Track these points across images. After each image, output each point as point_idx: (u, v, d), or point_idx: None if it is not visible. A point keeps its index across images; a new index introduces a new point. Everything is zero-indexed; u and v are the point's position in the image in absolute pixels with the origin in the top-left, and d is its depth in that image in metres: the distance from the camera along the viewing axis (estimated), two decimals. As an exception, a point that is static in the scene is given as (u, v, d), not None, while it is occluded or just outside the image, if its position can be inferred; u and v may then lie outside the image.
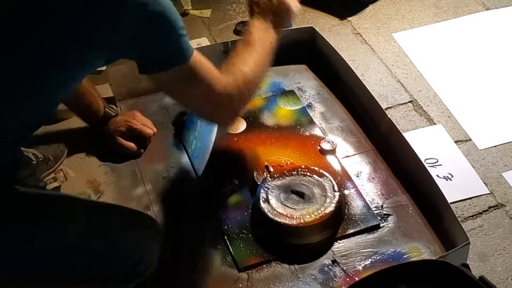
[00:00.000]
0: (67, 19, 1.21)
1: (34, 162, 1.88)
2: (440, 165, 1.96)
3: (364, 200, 1.82)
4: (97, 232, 1.42)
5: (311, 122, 2.07)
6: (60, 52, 1.24)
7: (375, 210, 1.80)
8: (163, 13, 1.28)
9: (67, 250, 1.37)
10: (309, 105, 2.15)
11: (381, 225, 1.77)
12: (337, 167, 1.92)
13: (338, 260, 1.69)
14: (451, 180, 1.91)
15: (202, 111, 1.57)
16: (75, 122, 2.03)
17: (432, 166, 1.94)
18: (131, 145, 1.96)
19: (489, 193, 1.87)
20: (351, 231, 1.75)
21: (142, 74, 1.38)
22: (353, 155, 1.98)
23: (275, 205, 1.73)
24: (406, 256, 1.69)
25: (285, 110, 2.13)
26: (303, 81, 2.25)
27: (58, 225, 1.38)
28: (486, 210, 1.83)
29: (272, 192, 1.76)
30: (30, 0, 1.20)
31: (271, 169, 1.87)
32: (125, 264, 1.46)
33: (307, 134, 2.04)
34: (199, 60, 1.41)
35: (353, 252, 1.71)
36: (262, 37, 1.63)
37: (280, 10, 1.69)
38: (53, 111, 1.40)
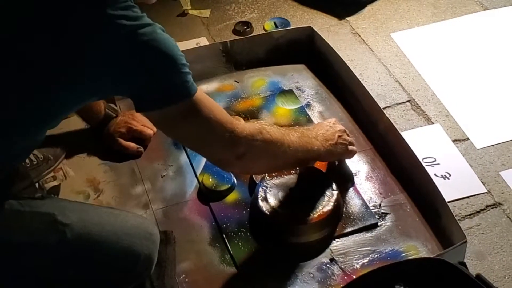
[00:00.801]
0: (56, 64, 1.22)
1: (35, 163, 1.88)
2: (438, 164, 1.97)
3: (362, 199, 1.83)
4: (90, 241, 1.40)
5: (310, 121, 2.08)
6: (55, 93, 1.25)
7: (373, 209, 1.81)
8: (159, 46, 1.26)
9: (60, 262, 1.37)
10: (308, 105, 2.16)
11: (379, 223, 1.77)
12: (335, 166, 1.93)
13: (336, 259, 1.69)
14: (448, 179, 1.92)
15: (205, 149, 1.47)
16: (75, 121, 2.04)
17: (430, 165, 1.95)
18: (132, 145, 1.96)
19: (486, 192, 1.88)
20: (349, 229, 1.76)
21: (139, 112, 1.35)
22: (352, 154, 1.98)
23: (274, 204, 1.74)
24: (403, 254, 1.69)
25: (283, 109, 2.13)
26: (302, 81, 2.26)
27: (49, 238, 1.36)
28: (484, 209, 1.84)
29: (271, 190, 1.77)
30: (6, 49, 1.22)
31: (270, 168, 1.87)
32: (123, 267, 1.46)
33: (306, 133, 2.04)
34: (204, 97, 1.37)
35: (351, 250, 1.71)
36: (308, 136, 1.65)
37: (342, 146, 1.76)
38: (40, 140, 1.38)
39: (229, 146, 1.42)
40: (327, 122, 1.79)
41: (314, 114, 2.12)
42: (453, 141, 2.04)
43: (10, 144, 1.30)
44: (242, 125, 1.44)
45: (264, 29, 2.52)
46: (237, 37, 2.45)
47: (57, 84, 1.24)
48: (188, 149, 1.98)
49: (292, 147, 1.55)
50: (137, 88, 1.29)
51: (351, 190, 1.85)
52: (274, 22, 2.55)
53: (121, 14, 1.22)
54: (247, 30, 2.51)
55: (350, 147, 1.79)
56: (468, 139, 2.05)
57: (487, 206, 1.85)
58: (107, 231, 1.43)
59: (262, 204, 1.74)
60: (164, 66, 1.28)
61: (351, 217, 1.78)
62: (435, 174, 1.91)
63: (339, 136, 1.74)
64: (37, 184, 1.89)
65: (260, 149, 1.48)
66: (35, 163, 1.88)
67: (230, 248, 1.72)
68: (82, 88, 1.27)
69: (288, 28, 2.43)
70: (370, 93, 2.04)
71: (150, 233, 1.51)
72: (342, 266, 1.68)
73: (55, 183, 1.88)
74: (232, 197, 1.85)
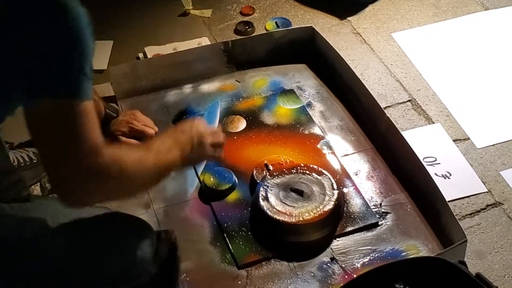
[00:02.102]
0: None
1: (35, 161, 1.89)
2: (439, 163, 1.97)
3: (362, 198, 1.83)
4: (84, 245, 1.38)
5: (311, 121, 2.09)
6: None
7: (373, 208, 1.81)
8: (72, 29, 1.17)
9: (55, 267, 1.36)
10: (309, 104, 2.16)
11: (379, 223, 1.78)
12: (336, 165, 1.93)
13: (336, 258, 1.70)
14: (449, 178, 1.92)
15: (51, 161, 1.24)
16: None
17: (430, 165, 1.95)
18: (133, 142, 1.96)
19: (487, 192, 1.88)
20: (349, 229, 1.76)
21: (25, 104, 1.20)
22: (352, 153, 1.99)
23: (274, 203, 1.74)
24: (404, 253, 1.70)
25: (284, 109, 2.14)
26: (303, 80, 2.26)
27: (42, 245, 1.35)
28: (484, 208, 1.84)
29: (272, 190, 1.77)
30: None
31: (271, 167, 1.88)
32: (119, 269, 1.44)
33: (307, 132, 2.05)
34: (89, 111, 1.21)
35: (351, 249, 1.72)
36: (164, 151, 1.44)
37: (198, 152, 1.56)
38: None
39: (83, 178, 1.23)
40: (186, 123, 1.59)
41: (315, 113, 2.12)
42: (454, 140, 2.05)
43: None
44: (104, 158, 1.24)
45: (265, 29, 2.53)
46: (239, 37, 2.46)
47: None
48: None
49: (146, 177, 1.38)
50: (30, 68, 1.17)
51: (351, 189, 1.86)
52: (276, 22, 2.55)
53: None
54: (248, 30, 2.51)
55: (210, 153, 1.60)
56: (468, 138, 2.05)
57: (487, 206, 1.85)
58: (101, 234, 1.42)
59: (263, 203, 1.74)
60: (68, 56, 1.17)
61: (352, 216, 1.79)
62: (435, 174, 1.92)
63: (197, 142, 1.54)
64: (38, 184, 1.90)
65: (112, 187, 1.30)
66: (34, 161, 1.89)
67: (231, 248, 1.72)
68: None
69: (290, 28, 2.43)
70: (371, 92, 2.05)
71: (146, 234, 1.50)
72: (343, 265, 1.68)
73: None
74: (233, 196, 1.86)
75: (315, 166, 1.85)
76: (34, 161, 1.88)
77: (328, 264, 1.69)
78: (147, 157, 1.38)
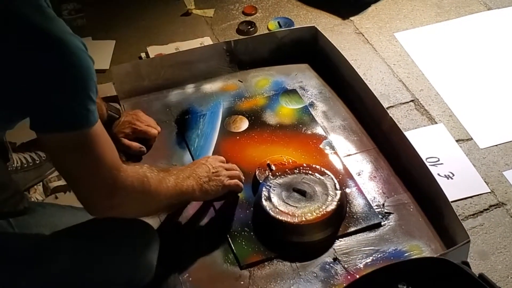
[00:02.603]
0: None
1: (37, 162, 1.89)
2: (441, 164, 1.97)
3: (365, 198, 1.83)
4: (84, 257, 1.38)
5: (313, 121, 2.08)
6: None
7: (376, 209, 1.81)
8: (71, 67, 1.17)
9: (56, 283, 1.36)
10: (311, 104, 2.16)
11: (382, 223, 1.77)
12: (338, 165, 1.93)
13: (339, 258, 1.70)
14: (452, 179, 1.92)
15: (81, 190, 1.31)
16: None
17: (433, 165, 1.95)
18: (134, 144, 1.96)
19: (490, 192, 1.88)
20: (352, 229, 1.76)
21: (33, 130, 1.24)
22: (355, 153, 1.99)
23: (277, 203, 1.74)
24: (407, 254, 1.69)
25: (287, 109, 2.14)
26: (305, 80, 2.26)
27: (41, 262, 1.34)
28: (487, 209, 1.84)
29: (274, 190, 1.77)
30: None
31: (273, 167, 1.87)
32: (122, 277, 1.44)
33: (309, 133, 2.04)
34: (101, 132, 1.27)
35: (354, 250, 1.72)
36: (182, 178, 1.57)
37: (216, 182, 1.69)
38: None
39: (108, 194, 1.30)
40: (201, 159, 1.74)
41: (318, 113, 2.12)
42: (457, 141, 2.04)
43: None
44: (126, 173, 1.33)
45: (268, 28, 2.52)
46: (241, 37, 2.46)
47: None
48: (192, 148, 1.99)
49: (168, 195, 1.48)
50: (33, 104, 1.20)
51: (354, 189, 1.86)
52: (278, 22, 2.55)
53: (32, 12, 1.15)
54: (250, 29, 2.51)
55: (227, 182, 1.71)
56: (471, 139, 2.05)
57: (490, 206, 1.85)
58: (101, 245, 1.41)
59: (265, 203, 1.74)
60: (71, 88, 1.19)
61: (355, 216, 1.79)
62: (438, 174, 1.92)
63: (213, 173, 1.68)
64: (41, 184, 1.89)
65: (137, 201, 1.39)
66: (38, 162, 1.89)
67: (233, 248, 1.72)
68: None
69: (292, 27, 2.43)
70: (374, 92, 2.04)
71: (148, 240, 1.50)
72: (346, 266, 1.68)
73: (59, 182, 1.88)
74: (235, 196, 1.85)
75: (317, 166, 1.84)
76: (37, 162, 1.89)
77: (331, 265, 1.68)
78: (168, 178, 1.49)
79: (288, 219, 1.70)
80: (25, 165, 1.87)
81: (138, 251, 1.47)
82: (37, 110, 1.20)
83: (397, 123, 1.95)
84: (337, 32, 2.51)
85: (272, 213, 1.72)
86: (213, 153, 1.97)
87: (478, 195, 1.87)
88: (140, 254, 1.47)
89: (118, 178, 1.30)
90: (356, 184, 1.87)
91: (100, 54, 2.38)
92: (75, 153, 1.24)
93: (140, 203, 1.41)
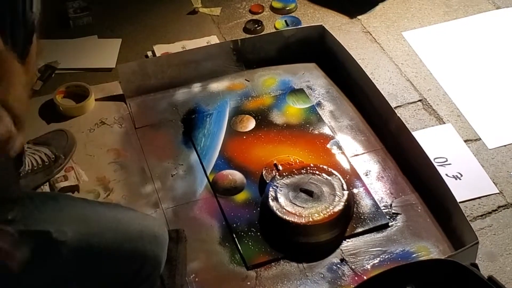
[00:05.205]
0: None
1: (47, 163, 1.88)
2: (450, 164, 1.95)
3: (373, 199, 1.82)
4: (90, 252, 1.35)
5: (320, 120, 2.07)
6: None
7: (384, 209, 1.80)
8: None
9: (62, 277, 1.33)
10: (318, 104, 2.15)
11: (390, 224, 1.77)
12: (346, 165, 1.92)
13: (346, 259, 1.69)
14: (460, 179, 1.91)
15: None
16: (83, 120, 2.04)
17: (441, 165, 1.94)
18: None
19: (498, 193, 1.87)
20: (359, 230, 1.75)
21: None
22: (362, 153, 1.98)
23: (284, 204, 1.73)
24: (414, 255, 1.69)
25: (294, 109, 2.13)
26: (313, 80, 2.25)
27: (47, 257, 1.31)
28: (496, 210, 1.83)
29: (281, 190, 1.77)
30: None
31: (280, 167, 1.87)
32: (128, 272, 1.42)
33: (316, 132, 2.04)
34: None
35: (361, 251, 1.71)
36: None
37: None
38: None
39: None
40: None
41: (325, 113, 2.11)
42: (465, 141, 2.03)
43: None
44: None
45: (275, 27, 2.51)
46: (248, 36, 2.45)
47: None
48: (199, 148, 1.98)
49: None
50: None
51: (361, 190, 1.85)
52: (285, 21, 2.53)
53: None
54: (257, 28, 2.50)
55: None
56: (480, 139, 2.04)
57: (499, 207, 1.84)
58: (108, 239, 1.39)
59: (272, 203, 1.74)
60: None
61: (362, 217, 1.78)
62: (446, 174, 1.90)
63: None
64: (47, 184, 1.89)
65: None
66: (46, 163, 1.88)
67: (240, 248, 1.72)
68: None
69: (299, 26, 2.42)
70: (381, 92, 2.03)
71: (155, 235, 1.48)
72: (353, 267, 1.67)
73: (66, 183, 1.87)
74: (242, 196, 1.85)
75: (325, 167, 1.84)
76: (46, 163, 1.88)
77: (338, 266, 1.68)
78: None
79: (295, 219, 1.70)
80: (35, 168, 1.86)
81: (145, 246, 1.45)
82: None
83: (405, 123, 1.94)
84: (345, 31, 2.50)
85: (279, 214, 1.71)
86: (220, 153, 1.96)
87: (486, 195, 1.86)
88: (147, 249, 1.46)
89: None
90: (364, 185, 1.86)
91: (106, 52, 2.38)
92: None
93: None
